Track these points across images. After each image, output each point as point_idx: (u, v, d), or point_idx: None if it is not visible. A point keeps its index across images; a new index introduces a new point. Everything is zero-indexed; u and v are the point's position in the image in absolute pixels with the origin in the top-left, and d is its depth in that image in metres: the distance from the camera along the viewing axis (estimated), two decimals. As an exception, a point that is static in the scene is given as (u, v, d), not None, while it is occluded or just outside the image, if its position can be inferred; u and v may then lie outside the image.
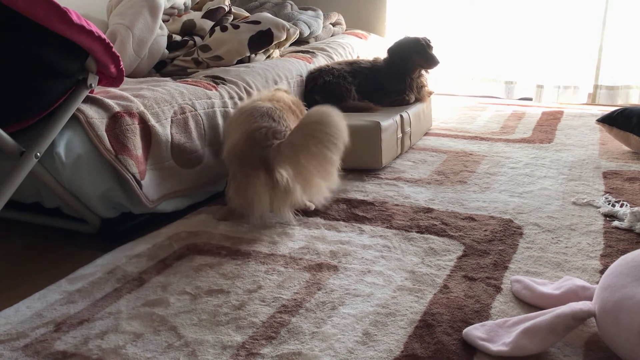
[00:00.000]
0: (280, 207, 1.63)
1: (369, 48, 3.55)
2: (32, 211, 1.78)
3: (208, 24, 2.65)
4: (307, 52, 2.94)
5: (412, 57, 2.61)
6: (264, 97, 1.89)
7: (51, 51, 1.42)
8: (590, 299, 1.17)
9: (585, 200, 1.89)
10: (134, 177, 1.62)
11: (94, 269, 1.47)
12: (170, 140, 1.79)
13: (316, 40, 3.47)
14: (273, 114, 1.73)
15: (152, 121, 1.74)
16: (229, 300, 1.31)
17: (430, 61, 2.62)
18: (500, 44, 3.71)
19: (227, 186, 1.69)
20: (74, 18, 1.38)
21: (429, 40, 2.65)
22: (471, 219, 1.76)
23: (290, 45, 3.06)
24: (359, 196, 1.96)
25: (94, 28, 1.45)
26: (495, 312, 1.25)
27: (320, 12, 3.60)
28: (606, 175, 2.16)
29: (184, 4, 2.78)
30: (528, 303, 1.28)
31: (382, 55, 2.74)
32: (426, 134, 2.81)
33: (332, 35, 3.66)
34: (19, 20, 1.35)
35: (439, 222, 1.73)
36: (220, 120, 2.03)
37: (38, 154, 1.48)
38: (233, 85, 2.18)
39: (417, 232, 1.67)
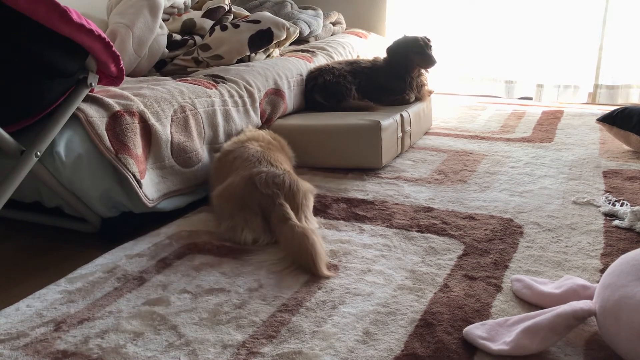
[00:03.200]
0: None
1: (369, 47, 3.55)
2: (33, 210, 1.78)
3: (208, 23, 2.65)
4: (307, 51, 2.94)
5: (411, 56, 2.61)
6: (249, 137, 1.88)
7: (51, 50, 1.42)
8: (590, 298, 1.17)
9: (586, 200, 1.88)
10: (134, 176, 1.62)
11: (94, 268, 1.47)
12: (170, 139, 1.79)
13: (316, 40, 3.47)
14: (269, 158, 1.73)
15: (152, 120, 1.73)
16: (229, 299, 1.31)
17: (427, 61, 2.62)
18: (500, 43, 3.71)
19: (220, 224, 1.65)
20: (74, 17, 1.38)
21: (428, 40, 2.65)
22: (471, 218, 1.76)
23: (290, 44, 3.06)
24: (359, 195, 1.96)
25: (94, 27, 1.45)
26: (496, 311, 1.25)
27: (320, 12, 3.60)
28: (606, 174, 2.16)
29: (184, 3, 2.78)
30: (528, 302, 1.28)
31: (382, 54, 2.74)
32: (426, 133, 2.81)
33: (332, 35, 3.66)
34: (19, 19, 1.34)
35: (439, 222, 1.73)
36: (220, 120, 2.03)
37: (38, 153, 1.48)
38: (233, 84, 2.18)
39: (418, 231, 1.67)
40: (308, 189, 1.70)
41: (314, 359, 1.09)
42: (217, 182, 1.75)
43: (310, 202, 1.70)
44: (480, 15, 3.72)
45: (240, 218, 1.58)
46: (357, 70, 2.62)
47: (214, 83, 2.11)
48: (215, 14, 2.70)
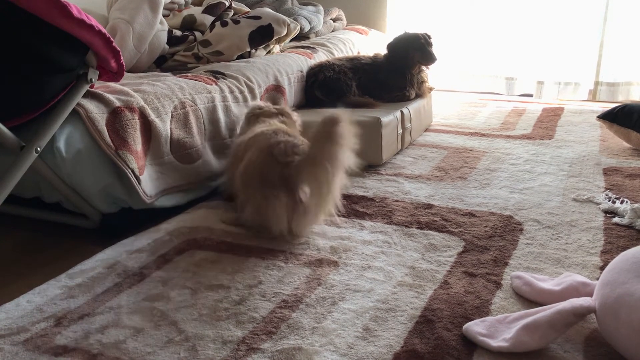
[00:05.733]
0: (300, 227, 1.54)
1: (370, 44, 3.55)
2: (32, 206, 1.78)
3: (208, 19, 2.65)
4: (308, 47, 2.93)
5: (411, 53, 2.60)
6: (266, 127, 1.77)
7: (51, 45, 1.42)
8: (590, 295, 1.17)
9: (586, 197, 1.88)
10: (133, 172, 1.62)
11: (94, 264, 1.47)
12: (169, 135, 1.79)
13: (317, 36, 3.46)
14: (285, 130, 1.65)
15: (153, 116, 1.73)
16: (229, 295, 1.31)
17: (428, 58, 2.61)
18: (501, 40, 3.70)
19: (242, 207, 1.58)
20: (75, 12, 1.38)
21: (428, 37, 2.65)
22: (471, 215, 1.76)
23: (291, 40, 3.05)
24: (359, 192, 1.96)
25: (94, 22, 1.45)
26: (496, 308, 1.25)
27: (321, 8, 3.59)
28: (606, 171, 2.16)
29: (185, -2, 2.77)
30: (528, 299, 1.28)
31: (383, 51, 2.74)
32: (426, 130, 2.81)
33: (332, 31, 3.65)
34: (19, 14, 1.34)
35: (439, 218, 1.73)
36: (220, 115, 2.02)
37: (38, 148, 1.48)
38: (233, 80, 2.17)
39: (418, 228, 1.67)
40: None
41: (313, 355, 1.09)
42: (233, 166, 1.68)
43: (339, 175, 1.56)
44: (480, 11, 3.71)
45: (261, 197, 1.49)
46: (358, 67, 2.61)
47: (214, 79, 2.11)
48: (216, 10, 2.70)
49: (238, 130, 2.02)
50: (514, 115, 3.13)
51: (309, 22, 3.34)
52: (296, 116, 1.95)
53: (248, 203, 1.57)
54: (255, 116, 1.87)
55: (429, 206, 1.83)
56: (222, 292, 1.32)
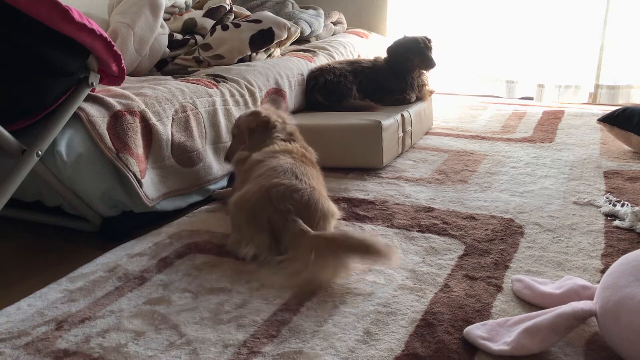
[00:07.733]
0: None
1: (370, 47, 3.55)
2: (33, 209, 1.78)
3: (209, 22, 2.66)
4: (308, 51, 2.94)
5: (411, 57, 2.61)
6: (282, 150, 1.71)
7: (53, 49, 1.42)
8: (591, 298, 1.17)
9: (586, 200, 1.88)
10: (135, 175, 1.62)
11: (95, 268, 1.47)
12: (170, 138, 1.79)
13: (317, 39, 3.47)
14: (296, 170, 1.57)
15: (153, 120, 1.74)
16: (230, 298, 1.31)
17: (427, 63, 2.62)
18: (501, 43, 3.71)
19: (230, 234, 1.57)
20: (76, 16, 1.38)
21: (428, 41, 2.65)
22: (472, 218, 1.76)
23: (291, 44, 3.06)
24: (360, 195, 1.96)
25: (95, 26, 1.45)
26: (496, 311, 1.25)
27: (322, 11, 3.60)
28: (607, 174, 2.16)
29: (185, 2, 2.78)
30: (529, 302, 1.28)
31: (383, 54, 2.74)
32: (427, 133, 2.81)
33: (333, 34, 3.66)
34: (20, 18, 1.34)
35: (440, 222, 1.73)
36: (221, 119, 2.03)
37: (39, 152, 1.48)
38: (234, 84, 2.18)
39: (418, 231, 1.67)
40: (330, 211, 1.54)
41: (314, 358, 1.09)
42: (239, 187, 1.66)
43: (329, 226, 1.54)
44: (481, 15, 3.72)
45: (247, 232, 1.48)
46: (358, 70, 2.62)
47: (215, 82, 2.11)
48: (217, 14, 2.70)
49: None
50: (515, 119, 3.14)
51: (310, 26, 3.35)
52: (291, 119, 1.91)
53: (232, 232, 1.55)
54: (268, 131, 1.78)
55: (430, 209, 1.83)
56: (223, 296, 1.32)
